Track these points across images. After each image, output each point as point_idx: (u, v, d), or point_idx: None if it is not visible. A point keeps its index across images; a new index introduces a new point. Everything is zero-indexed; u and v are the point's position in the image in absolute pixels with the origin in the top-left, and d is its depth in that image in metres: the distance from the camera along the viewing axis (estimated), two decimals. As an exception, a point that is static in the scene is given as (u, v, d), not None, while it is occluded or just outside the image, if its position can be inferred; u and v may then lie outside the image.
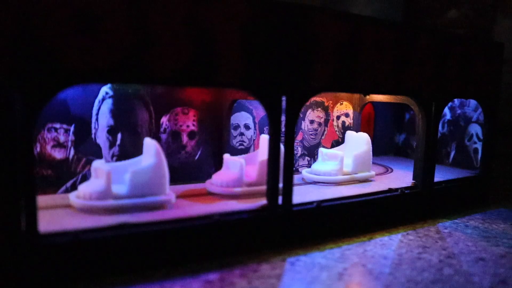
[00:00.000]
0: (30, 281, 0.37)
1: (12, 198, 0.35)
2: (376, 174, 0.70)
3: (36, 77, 0.35)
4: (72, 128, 0.52)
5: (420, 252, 0.50)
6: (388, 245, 0.52)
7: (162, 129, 0.58)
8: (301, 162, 0.74)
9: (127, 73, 0.39)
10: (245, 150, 0.67)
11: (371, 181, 0.67)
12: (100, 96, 0.53)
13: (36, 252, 0.37)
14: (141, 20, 0.39)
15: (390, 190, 0.61)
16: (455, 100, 0.83)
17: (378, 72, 0.56)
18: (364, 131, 0.72)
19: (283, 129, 0.48)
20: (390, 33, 0.56)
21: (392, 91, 0.59)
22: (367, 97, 0.77)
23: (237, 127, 0.66)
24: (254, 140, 0.68)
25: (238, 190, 0.53)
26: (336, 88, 0.53)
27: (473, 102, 0.81)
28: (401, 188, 0.62)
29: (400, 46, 0.57)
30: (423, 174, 0.63)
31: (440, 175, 0.71)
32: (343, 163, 0.64)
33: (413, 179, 0.64)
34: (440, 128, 0.84)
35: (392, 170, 0.77)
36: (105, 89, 0.54)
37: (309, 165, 0.74)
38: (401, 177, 0.71)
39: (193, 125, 0.60)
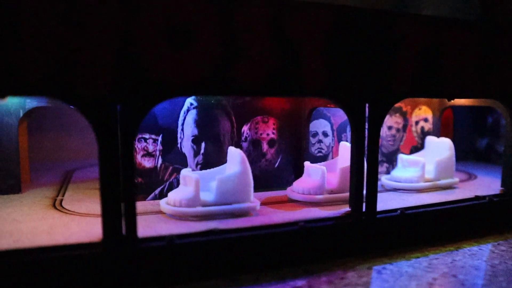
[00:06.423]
0: (130, 283, 0.39)
1: (115, 204, 0.38)
2: (459, 181, 0.68)
3: (136, 91, 0.38)
4: (159, 138, 0.55)
5: (515, 263, 0.47)
6: (479, 256, 0.50)
7: (243, 138, 0.59)
8: (379, 168, 0.73)
9: (217, 86, 0.41)
10: (324, 158, 0.67)
11: (454, 188, 0.64)
12: (185, 107, 0.56)
13: (136, 255, 0.39)
14: (229, 34, 0.41)
15: (477, 197, 0.59)
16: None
17: (463, 75, 0.54)
18: (442, 136, 0.70)
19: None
20: (474, 34, 0.54)
21: (478, 95, 0.57)
22: (451, 101, 0.74)
23: (315, 134, 0.66)
24: (332, 147, 0.67)
25: (320, 197, 0.53)
26: (420, 93, 0.52)
27: None
28: (489, 196, 0.59)
29: (485, 47, 0.55)
30: (513, 181, 0.60)
31: (531, 182, 0.67)
32: (424, 169, 0.62)
33: (501, 186, 0.61)
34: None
35: (476, 177, 0.73)
36: (190, 100, 0.56)
37: (387, 172, 0.72)
38: (486, 183, 0.67)
39: (273, 133, 0.61)
